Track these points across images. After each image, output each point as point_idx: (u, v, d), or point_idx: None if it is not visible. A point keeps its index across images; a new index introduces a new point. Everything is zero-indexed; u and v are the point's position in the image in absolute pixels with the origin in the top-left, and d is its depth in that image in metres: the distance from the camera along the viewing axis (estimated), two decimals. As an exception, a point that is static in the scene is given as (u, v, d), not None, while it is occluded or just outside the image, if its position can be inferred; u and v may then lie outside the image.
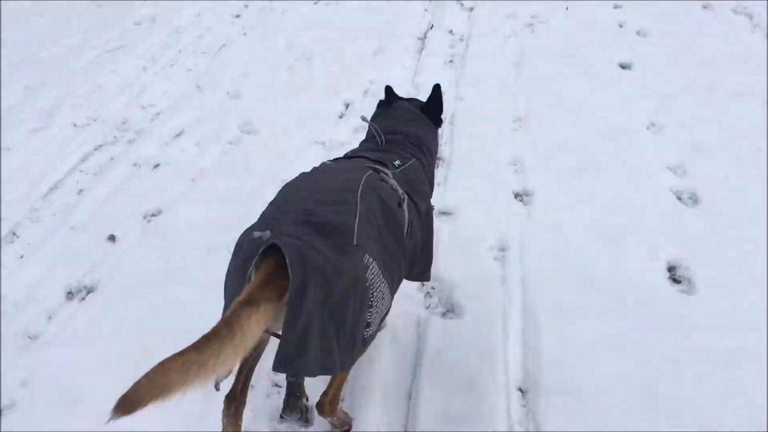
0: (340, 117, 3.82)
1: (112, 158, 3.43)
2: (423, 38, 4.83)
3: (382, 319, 1.67)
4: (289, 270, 1.27)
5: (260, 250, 1.33)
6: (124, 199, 3.10)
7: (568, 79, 4.05)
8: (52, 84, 4.23)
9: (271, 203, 1.63)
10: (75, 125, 3.75)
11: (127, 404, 1.04)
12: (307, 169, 1.87)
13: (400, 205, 1.76)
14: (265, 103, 3.96)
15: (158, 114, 3.89)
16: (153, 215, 3.00)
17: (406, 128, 2.16)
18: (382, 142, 2.09)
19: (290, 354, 1.31)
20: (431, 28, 4.96)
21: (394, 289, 1.66)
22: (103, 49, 4.75)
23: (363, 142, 2.25)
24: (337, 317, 1.38)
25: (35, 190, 3.15)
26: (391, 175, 1.83)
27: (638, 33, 4.63)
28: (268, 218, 1.51)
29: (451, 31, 4.89)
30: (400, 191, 1.79)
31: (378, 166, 1.84)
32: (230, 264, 1.45)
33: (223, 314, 1.31)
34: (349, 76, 4.23)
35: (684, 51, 4.29)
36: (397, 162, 1.96)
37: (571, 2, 5.12)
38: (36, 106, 3.94)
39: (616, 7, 5.07)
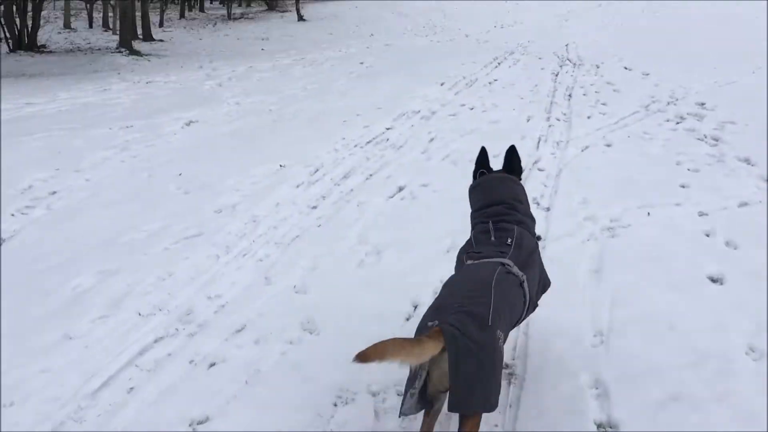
0: (407, 319, 3.64)
1: (169, 354, 3.32)
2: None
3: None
4: (447, 350, 2.09)
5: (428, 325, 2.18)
6: (174, 401, 2.93)
7: (652, 292, 3.78)
8: (126, 270, 4.31)
9: (436, 299, 2.53)
10: (140, 314, 3.73)
11: (362, 357, 1.93)
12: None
13: (521, 285, 2.58)
14: (331, 300, 3.86)
15: (223, 306, 3.84)
16: (200, 422, 2.80)
17: (502, 194, 2.86)
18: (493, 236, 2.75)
19: (456, 400, 2.12)
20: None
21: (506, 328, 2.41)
22: (180, 236, 4.88)
23: (475, 219, 2.92)
24: (486, 376, 2.14)
25: (86, 386, 3.04)
26: (512, 264, 2.57)
27: (727, 244, 4.38)
28: (435, 310, 2.34)
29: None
30: (520, 275, 2.57)
31: (504, 260, 2.56)
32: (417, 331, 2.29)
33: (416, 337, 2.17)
34: (420, 274, 4.11)
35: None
36: (509, 240, 2.69)
37: (653, 208, 4.99)
38: (105, 293, 3.98)
39: (701, 214, 4.88)
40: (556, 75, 11.80)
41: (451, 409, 2.15)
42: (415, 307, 3.76)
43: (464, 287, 2.44)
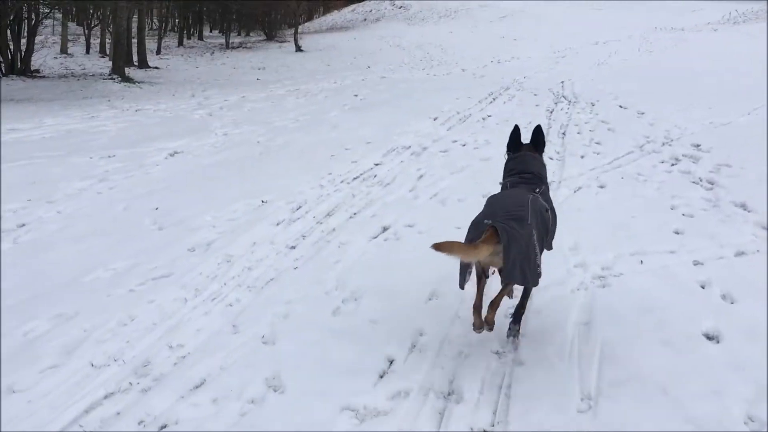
0: (381, 376, 3.38)
1: (118, 413, 3.04)
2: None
3: (539, 265, 3.32)
4: (501, 236, 3.01)
5: (485, 227, 3.09)
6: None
7: (644, 349, 3.53)
8: (85, 314, 4.04)
9: (484, 208, 3.46)
10: (93, 365, 3.45)
11: (437, 247, 2.90)
12: None
13: (547, 210, 3.54)
14: (301, 352, 3.59)
15: (184, 357, 3.56)
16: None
17: (533, 168, 3.76)
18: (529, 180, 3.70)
19: (509, 272, 3.09)
20: (492, 273, 4.64)
21: (541, 249, 3.35)
22: (148, 276, 4.63)
23: (509, 177, 3.79)
24: (527, 255, 3.10)
25: (20, 450, 2.76)
26: (540, 197, 3.52)
27: (724, 297, 4.14)
28: (487, 215, 3.25)
29: (512, 279, 4.55)
30: (546, 204, 3.55)
31: (534, 196, 3.44)
32: (470, 231, 3.26)
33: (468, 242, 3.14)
34: (397, 325, 3.87)
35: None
36: (537, 189, 3.59)
37: (646, 256, 4.76)
38: (59, 340, 3.70)
39: (696, 263, 4.65)
40: (551, 112, 11.68)
41: (504, 279, 3.25)
42: (391, 362, 3.50)
43: (507, 201, 3.39)
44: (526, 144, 3.94)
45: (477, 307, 3.41)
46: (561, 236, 5.16)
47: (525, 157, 3.82)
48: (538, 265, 3.27)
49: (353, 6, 61.17)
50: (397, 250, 5.12)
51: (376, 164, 7.96)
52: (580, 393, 3.20)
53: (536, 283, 3.33)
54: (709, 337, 3.67)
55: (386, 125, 10.56)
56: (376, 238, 5.41)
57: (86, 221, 5.94)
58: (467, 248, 3.06)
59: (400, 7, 53.78)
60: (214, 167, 8.01)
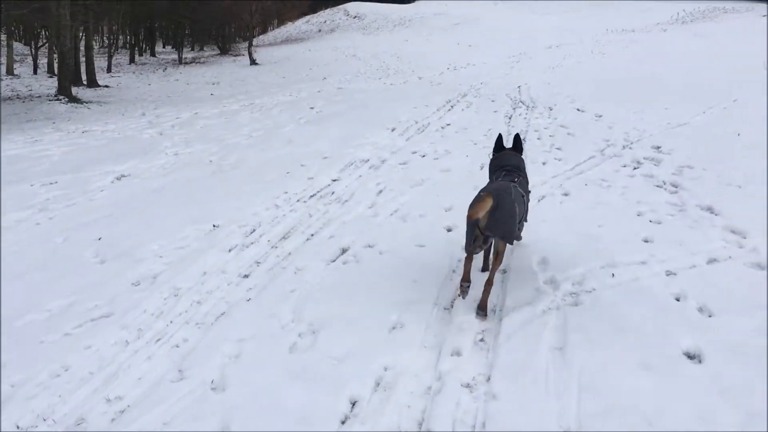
0: (343, 422, 3.07)
1: (42, 486, 2.68)
2: (449, 308, 4.23)
3: (521, 221, 4.39)
4: (493, 199, 3.86)
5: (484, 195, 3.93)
6: None
7: (624, 375, 3.31)
8: (14, 365, 3.64)
9: (482, 191, 4.11)
10: (18, 427, 3.07)
11: (472, 215, 3.85)
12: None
13: (522, 196, 4.34)
14: (253, 397, 3.27)
15: (123, 411, 3.20)
16: None
17: (513, 163, 4.66)
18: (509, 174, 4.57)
19: (495, 224, 3.88)
20: (459, 296, 4.38)
21: (520, 220, 4.29)
22: (87, 317, 4.24)
23: (495, 172, 4.66)
24: (512, 215, 3.97)
25: None
26: (519, 186, 4.32)
27: (701, 310, 3.96)
28: (486, 189, 4.10)
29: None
30: (522, 192, 4.36)
31: (514, 183, 4.29)
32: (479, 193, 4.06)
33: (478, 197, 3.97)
34: (360, 360, 3.57)
35: (756, 336, 3.57)
36: (516, 180, 4.40)
37: (617, 268, 4.56)
38: (-20, 400, 3.31)
39: (668, 273, 4.47)
40: (510, 118, 11.54)
41: (488, 231, 3.94)
42: (353, 405, 3.20)
43: (497, 185, 4.19)
44: (508, 147, 4.95)
45: (468, 260, 4.08)
46: (528, 250, 4.98)
47: (506, 155, 4.81)
48: (519, 230, 4.46)
49: (308, 17, 60.87)
50: (358, 273, 4.82)
51: (334, 180, 7.66)
52: (558, 427, 2.96)
53: (511, 242, 4.15)
54: (691, 357, 3.47)
55: (343, 138, 10.27)
56: (334, 261, 5.11)
57: (22, 256, 5.50)
58: (480, 203, 3.88)
59: (355, 17, 53.71)
60: (162, 191, 7.59)
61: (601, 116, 10.93)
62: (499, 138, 4.97)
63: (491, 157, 4.92)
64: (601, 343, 3.60)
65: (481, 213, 3.83)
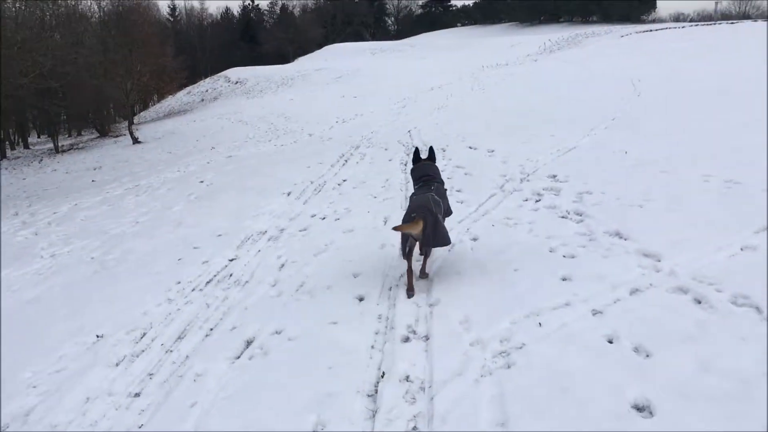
0: None
1: None
2: (373, 394, 3.77)
3: (447, 232, 5.19)
4: (424, 222, 4.85)
5: (415, 217, 4.87)
6: None
7: (576, 444, 2.97)
8: None
9: (409, 206, 5.18)
10: None
11: (397, 228, 4.93)
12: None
13: (439, 203, 5.23)
14: None
15: None
16: None
17: (430, 172, 5.65)
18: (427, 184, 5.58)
19: (427, 240, 4.93)
20: (382, 377, 3.94)
21: (443, 219, 5.29)
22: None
23: (416, 182, 5.68)
24: (437, 230, 4.94)
25: None
26: (435, 193, 5.28)
27: (636, 350, 3.72)
28: (412, 209, 4.99)
29: (407, 378, 3.88)
30: (439, 199, 5.28)
31: (431, 194, 5.24)
32: (404, 217, 5.08)
33: (407, 220, 4.94)
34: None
35: (701, 373, 3.34)
36: (433, 187, 5.40)
37: (542, 315, 4.29)
38: None
39: (595, 313, 4.24)
40: (405, 164, 11.37)
41: (424, 245, 5.03)
42: None
43: (421, 200, 5.05)
44: (424, 158, 5.88)
45: (409, 271, 5.05)
46: (448, 309, 4.63)
47: (423, 166, 5.75)
48: (446, 233, 5.11)
49: (188, 88, 59.75)
50: (265, 370, 4.27)
51: (231, 260, 7.08)
52: None
53: (446, 243, 5.14)
54: (640, 409, 3.19)
55: (237, 210, 9.69)
56: (239, 357, 4.54)
57: None
58: (412, 225, 4.83)
59: (237, 83, 53.26)
60: (37, 302, 6.73)
61: (493, 151, 10.96)
62: (416, 151, 5.93)
63: (411, 167, 5.90)
64: (545, 412, 3.26)
65: (415, 232, 4.85)
